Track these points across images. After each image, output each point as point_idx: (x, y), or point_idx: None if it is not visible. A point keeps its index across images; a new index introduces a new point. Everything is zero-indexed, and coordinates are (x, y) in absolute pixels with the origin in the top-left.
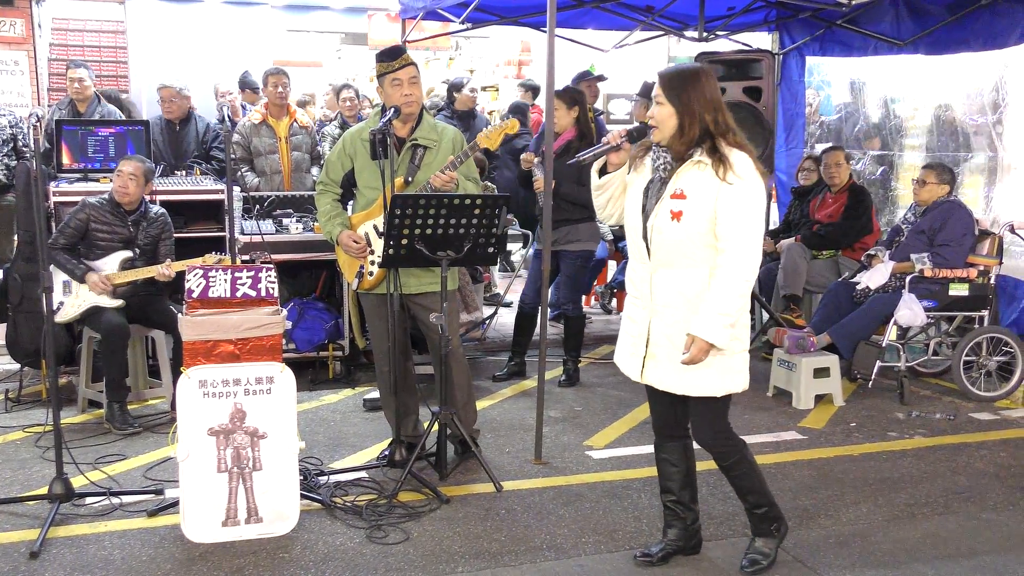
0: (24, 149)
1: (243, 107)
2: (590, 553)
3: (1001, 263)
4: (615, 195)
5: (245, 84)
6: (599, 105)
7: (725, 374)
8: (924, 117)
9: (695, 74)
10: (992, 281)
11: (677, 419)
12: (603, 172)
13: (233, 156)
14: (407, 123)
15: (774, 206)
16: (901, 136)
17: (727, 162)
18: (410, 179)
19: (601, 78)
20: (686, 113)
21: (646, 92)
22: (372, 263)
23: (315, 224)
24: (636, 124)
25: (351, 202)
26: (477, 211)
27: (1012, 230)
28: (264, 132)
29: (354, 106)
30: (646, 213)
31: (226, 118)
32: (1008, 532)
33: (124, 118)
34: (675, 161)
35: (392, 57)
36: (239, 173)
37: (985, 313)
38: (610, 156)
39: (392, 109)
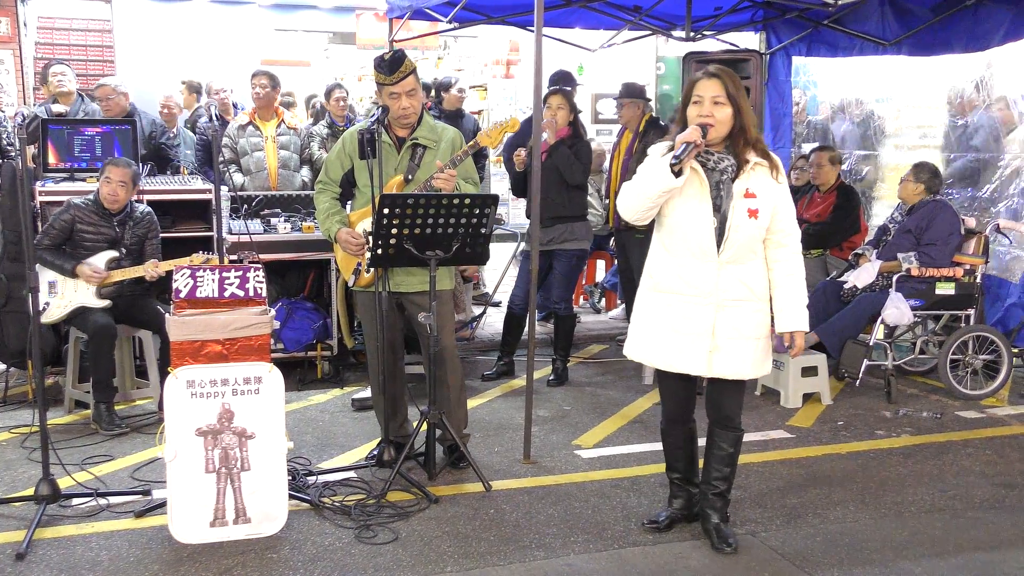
0: (8, 148)
1: (235, 105)
2: (579, 552)
3: (987, 262)
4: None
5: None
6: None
7: (770, 355)
8: (908, 118)
9: (736, 75)
10: (978, 280)
11: (690, 407)
12: (678, 174)
13: (221, 157)
14: (407, 125)
15: None
16: (885, 136)
17: (777, 164)
18: (410, 177)
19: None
20: (745, 114)
21: (627, 93)
22: (368, 260)
23: (303, 224)
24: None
25: (350, 201)
26: (466, 211)
27: (998, 229)
28: (250, 131)
29: (344, 106)
30: (722, 213)
31: (214, 117)
32: (994, 530)
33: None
34: (737, 162)
35: (390, 71)
36: (227, 174)
37: (971, 312)
38: (687, 156)
39: (381, 108)
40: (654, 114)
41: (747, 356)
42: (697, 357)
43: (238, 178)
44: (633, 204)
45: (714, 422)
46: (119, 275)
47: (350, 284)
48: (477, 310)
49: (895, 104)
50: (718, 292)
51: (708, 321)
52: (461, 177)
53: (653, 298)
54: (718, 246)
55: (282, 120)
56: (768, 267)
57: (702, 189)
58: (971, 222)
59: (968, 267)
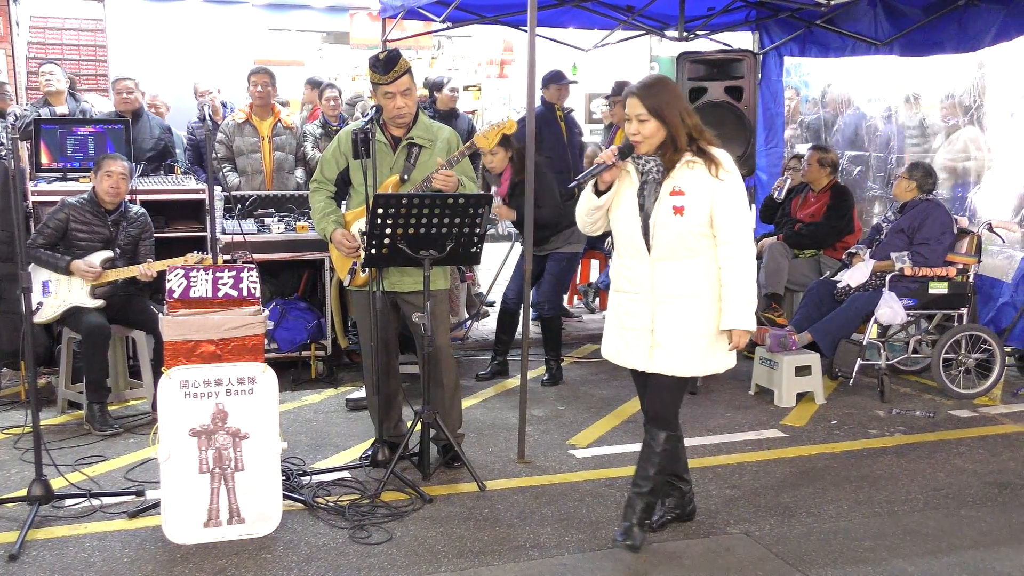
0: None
1: (224, 105)
2: (573, 552)
3: (980, 261)
4: (606, 209)
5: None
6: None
7: (725, 353)
8: (901, 118)
9: (667, 84)
10: (971, 279)
11: None
12: (598, 193)
13: (216, 156)
14: (402, 125)
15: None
16: (877, 136)
17: (716, 160)
18: (405, 177)
19: (572, 81)
20: (672, 125)
21: (618, 92)
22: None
23: (297, 224)
24: (624, 142)
25: (345, 200)
26: (461, 210)
27: (990, 229)
28: (247, 131)
29: (337, 105)
30: (645, 212)
31: (207, 117)
32: (987, 528)
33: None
34: (665, 163)
35: (385, 70)
36: (221, 173)
37: (964, 311)
38: (603, 175)
39: (375, 108)
40: None
41: (687, 353)
42: (640, 353)
43: (233, 178)
44: (579, 219)
45: (648, 420)
46: (113, 274)
47: (346, 284)
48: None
49: (887, 104)
50: (654, 289)
51: (647, 317)
52: (462, 174)
53: (611, 298)
54: (648, 244)
55: (278, 119)
56: (719, 265)
57: (631, 192)
58: (964, 221)
59: (961, 266)
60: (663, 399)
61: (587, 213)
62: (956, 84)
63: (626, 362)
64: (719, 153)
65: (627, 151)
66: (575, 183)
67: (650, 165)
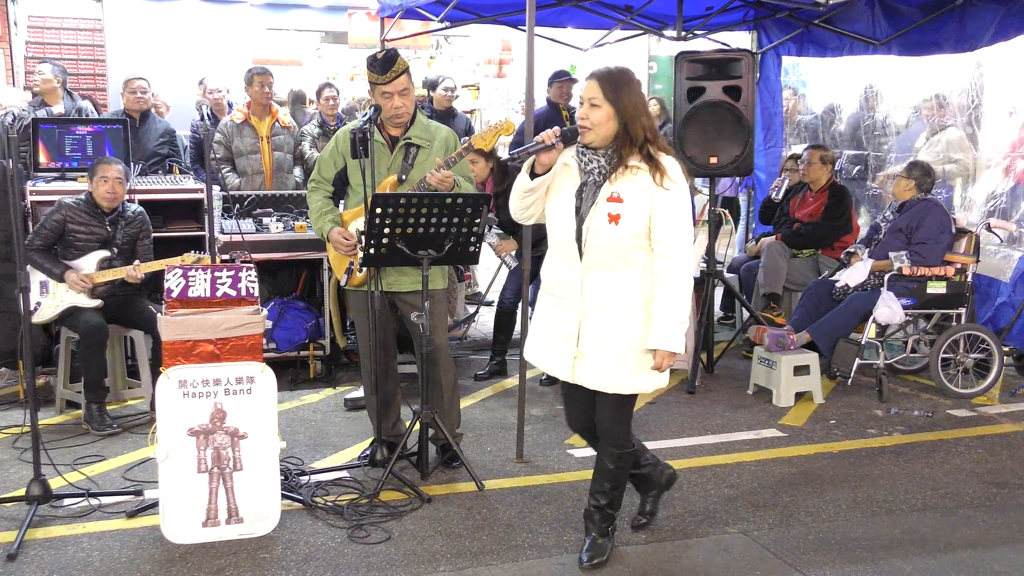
0: None
1: (229, 105)
2: (572, 551)
3: (978, 261)
4: (540, 196)
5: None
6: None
7: (653, 372)
8: (899, 117)
9: (628, 74)
10: (969, 279)
11: (590, 415)
12: (533, 175)
13: (215, 156)
14: (399, 125)
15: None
16: (876, 136)
17: (662, 167)
18: (403, 177)
19: (573, 80)
20: (627, 116)
21: None
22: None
23: (295, 223)
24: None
25: (343, 200)
26: (459, 210)
27: (989, 228)
28: (246, 132)
29: (335, 105)
30: (580, 216)
31: (206, 116)
32: (985, 528)
33: (98, 115)
34: (609, 165)
35: (382, 70)
36: (220, 173)
37: (962, 311)
38: (540, 156)
39: (373, 107)
40: None
41: (611, 368)
42: (563, 361)
43: (232, 179)
44: (511, 203)
45: (600, 436)
46: (106, 276)
47: (343, 283)
48: (470, 309)
49: (885, 104)
50: (583, 298)
51: (573, 326)
52: (459, 175)
53: (539, 298)
54: (580, 250)
55: (276, 119)
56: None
57: (570, 189)
58: (962, 221)
59: (959, 266)
60: (608, 415)
61: (519, 196)
62: (955, 83)
63: (550, 369)
64: (668, 161)
65: (571, 136)
66: (511, 156)
67: (593, 165)
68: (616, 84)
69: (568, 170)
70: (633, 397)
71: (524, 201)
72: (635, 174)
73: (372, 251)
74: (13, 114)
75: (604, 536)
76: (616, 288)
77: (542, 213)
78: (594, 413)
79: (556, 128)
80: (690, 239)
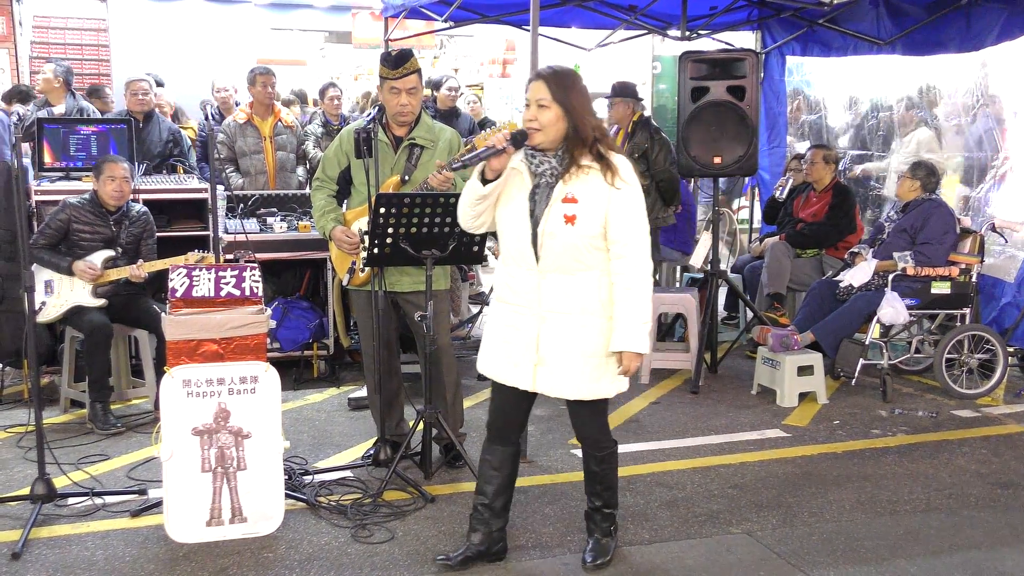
0: None
1: (237, 104)
2: (575, 551)
3: (983, 261)
4: (491, 203)
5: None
6: None
7: (616, 376)
8: (903, 117)
9: (575, 75)
10: (974, 279)
11: (519, 425)
12: (484, 181)
13: (218, 156)
14: (404, 123)
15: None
16: (880, 135)
17: (613, 166)
18: (406, 178)
19: None
20: (578, 116)
21: (617, 92)
22: (364, 259)
23: (299, 223)
24: (519, 128)
25: (347, 200)
26: None
27: (993, 228)
28: (249, 132)
29: (339, 105)
30: (535, 218)
31: (210, 116)
32: (989, 529)
33: (101, 114)
34: (560, 166)
35: (395, 65)
36: (223, 174)
37: (967, 311)
38: (491, 162)
39: (377, 107)
40: (646, 113)
41: (574, 374)
42: (523, 370)
43: (236, 180)
44: (459, 211)
45: (580, 441)
46: (113, 274)
47: (345, 283)
48: (474, 309)
49: (890, 103)
50: (541, 303)
51: (532, 333)
52: (460, 176)
53: (493, 307)
54: (536, 254)
55: (279, 119)
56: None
57: (522, 194)
58: (966, 221)
59: (963, 266)
60: (586, 423)
61: (470, 204)
62: (959, 83)
63: (507, 380)
64: (619, 160)
65: (521, 138)
66: (456, 162)
67: (544, 167)
68: (563, 84)
69: (518, 174)
70: (605, 400)
71: (475, 209)
72: (588, 174)
73: (376, 251)
74: (18, 114)
75: (607, 536)
76: (574, 291)
77: (493, 221)
78: (517, 419)
79: (506, 131)
80: (646, 238)
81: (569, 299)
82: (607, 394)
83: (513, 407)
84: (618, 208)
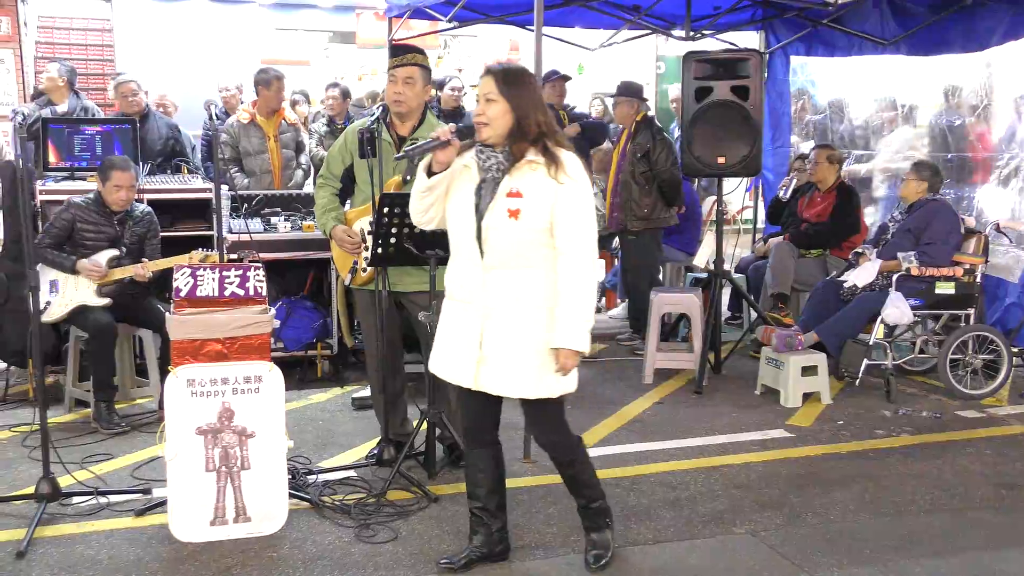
0: None
1: (242, 103)
2: (579, 551)
3: (987, 262)
4: (441, 197)
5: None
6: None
7: (559, 375)
8: (906, 117)
9: (524, 72)
10: (978, 280)
11: (492, 424)
12: (430, 173)
13: (222, 156)
14: (407, 122)
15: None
16: (883, 136)
17: (559, 162)
18: (407, 178)
19: (566, 78)
20: (522, 111)
21: (624, 92)
22: (366, 259)
23: (303, 223)
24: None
25: (350, 199)
26: None
27: (998, 229)
28: (253, 132)
29: (334, 105)
30: (480, 213)
31: (214, 116)
32: (994, 530)
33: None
34: (507, 161)
35: (394, 54)
36: (228, 174)
37: (971, 311)
38: (437, 154)
39: (382, 106)
40: (650, 113)
41: (517, 372)
42: (465, 366)
43: (240, 180)
44: (410, 205)
45: (541, 447)
46: (118, 273)
47: (347, 282)
48: None
49: (894, 103)
50: (485, 298)
51: (476, 329)
52: None
53: (444, 307)
54: (481, 249)
55: (283, 117)
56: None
57: (469, 189)
58: (971, 221)
59: (968, 266)
60: (539, 426)
61: (418, 196)
62: (964, 83)
63: (451, 377)
64: (566, 156)
65: (467, 132)
66: (402, 153)
67: (491, 162)
68: (510, 79)
69: (468, 171)
70: (558, 400)
71: (423, 202)
72: (534, 169)
73: (380, 250)
74: (23, 114)
75: (603, 529)
76: (518, 287)
77: (443, 217)
78: (488, 419)
79: (452, 125)
80: (593, 236)
81: (512, 295)
82: (550, 393)
83: (480, 407)
84: (563, 204)
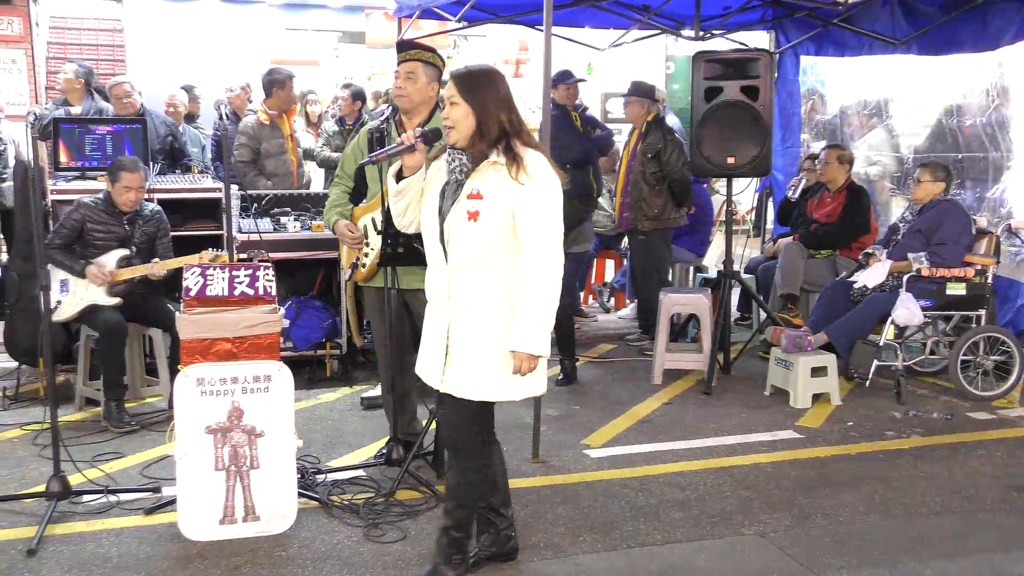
0: None
1: (251, 102)
2: (587, 552)
3: (999, 262)
4: (414, 200)
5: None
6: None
7: (527, 378)
8: (918, 117)
9: (488, 74)
10: (989, 281)
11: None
12: (400, 177)
13: (242, 160)
14: (415, 119)
15: (769, 205)
16: (893, 136)
17: (521, 162)
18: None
19: (579, 80)
20: (483, 112)
21: (635, 92)
22: (366, 255)
23: (313, 223)
24: (431, 127)
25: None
26: None
27: (1010, 230)
28: (273, 133)
29: (343, 106)
30: (443, 215)
31: (224, 116)
32: (1005, 531)
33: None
34: (471, 163)
35: (399, 49)
36: (249, 177)
37: (982, 312)
38: (405, 159)
39: (391, 106)
40: (660, 113)
41: (478, 375)
42: (435, 368)
43: (263, 182)
44: (391, 208)
45: (445, 444)
46: (126, 273)
47: (347, 277)
48: None
49: (904, 104)
50: (450, 300)
51: (443, 330)
52: None
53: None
54: (445, 251)
55: (295, 115)
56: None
57: (438, 190)
58: (982, 222)
59: (979, 267)
60: (452, 422)
61: (392, 202)
62: (975, 83)
63: (426, 379)
64: (531, 156)
65: (433, 136)
66: (368, 159)
67: (455, 164)
68: (471, 81)
69: (440, 173)
70: (489, 407)
71: (397, 206)
72: (497, 170)
73: (389, 250)
74: (35, 114)
75: (447, 564)
76: (481, 290)
77: (419, 219)
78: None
79: (417, 129)
80: (556, 237)
81: (476, 297)
82: (513, 397)
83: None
84: (523, 205)
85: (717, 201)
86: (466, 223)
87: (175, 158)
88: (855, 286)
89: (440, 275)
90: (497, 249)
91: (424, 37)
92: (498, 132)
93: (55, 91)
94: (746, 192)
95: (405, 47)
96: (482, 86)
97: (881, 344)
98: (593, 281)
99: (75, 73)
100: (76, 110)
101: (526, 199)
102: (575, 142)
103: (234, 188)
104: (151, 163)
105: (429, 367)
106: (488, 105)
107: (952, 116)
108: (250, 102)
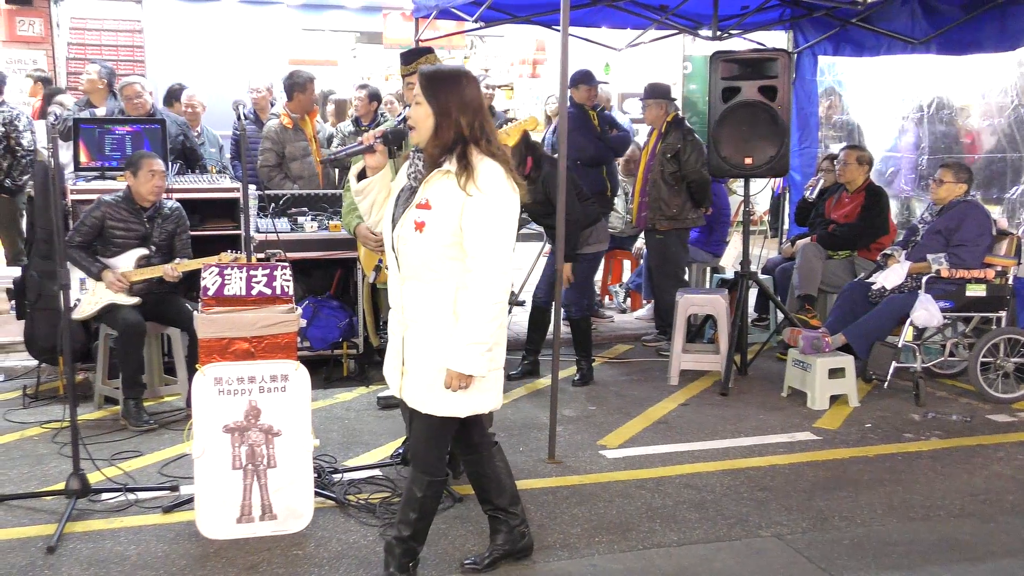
0: (17, 148)
1: (273, 104)
2: (603, 552)
3: (1020, 264)
4: (378, 200)
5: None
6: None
7: (475, 394)
8: (936, 117)
9: (455, 75)
10: (1010, 282)
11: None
12: (361, 177)
13: (267, 164)
14: None
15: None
16: (909, 137)
17: (472, 172)
18: None
19: (602, 82)
20: (442, 114)
21: (651, 94)
22: None
23: (330, 223)
24: (396, 127)
25: None
26: None
27: None
28: (297, 135)
29: (360, 107)
30: (394, 222)
31: (242, 116)
32: None
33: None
34: (426, 168)
35: (406, 61)
36: (275, 180)
37: (1003, 314)
38: (366, 159)
39: (406, 107)
40: (679, 114)
41: (429, 387)
42: (395, 376)
43: (288, 185)
44: (358, 206)
45: (410, 456)
46: (146, 273)
47: (371, 280)
48: None
49: (923, 103)
50: (404, 310)
51: (399, 340)
52: None
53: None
54: (396, 259)
55: (315, 116)
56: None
57: (395, 196)
58: (1003, 223)
59: (999, 269)
60: (415, 434)
61: (356, 201)
62: (995, 83)
63: (389, 383)
64: (484, 165)
65: (394, 137)
66: (328, 157)
67: (412, 170)
68: (436, 81)
69: (403, 176)
70: (452, 421)
71: (361, 205)
72: (449, 178)
73: None
74: (55, 114)
75: (403, 572)
76: (429, 300)
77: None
78: (463, 428)
79: (379, 129)
80: (502, 254)
81: (424, 308)
82: (462, 412)
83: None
84: (469, 217)
85: (734, 202)
86: (412, 233)
87: (188, 158)
88: (873, 287)
89: (395, 282)
90: (444, 261)
91: (441, 37)
92: (454, 137)
93: (77, 92)
94: (763, 192)
95: (413, 57)
96: (446, 87)
97: (900, 345)
98: (609, 281)
99: (98, 74)
100: (100, 111)
101: (473, 212)
102: (589, 141)
103: (252, 188)
104: (169, 163)
105: (390, 374)
106: (449, 107)
107: (971, 116)
108: (272, 104)
